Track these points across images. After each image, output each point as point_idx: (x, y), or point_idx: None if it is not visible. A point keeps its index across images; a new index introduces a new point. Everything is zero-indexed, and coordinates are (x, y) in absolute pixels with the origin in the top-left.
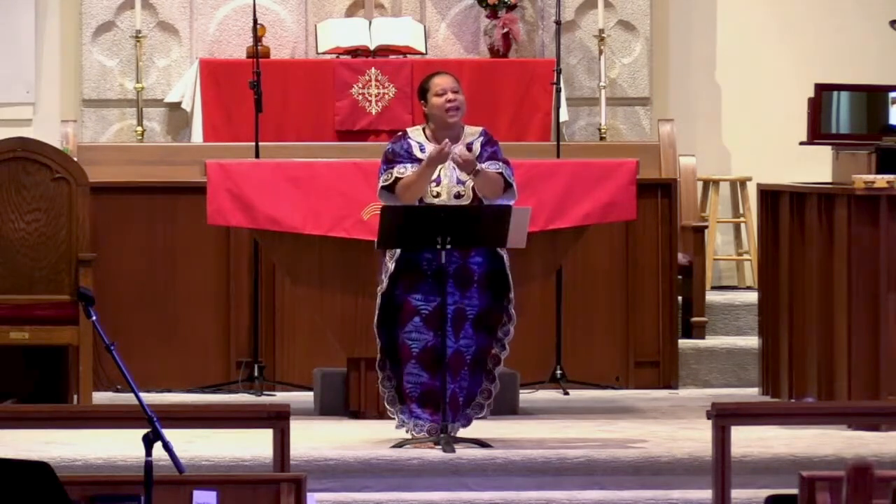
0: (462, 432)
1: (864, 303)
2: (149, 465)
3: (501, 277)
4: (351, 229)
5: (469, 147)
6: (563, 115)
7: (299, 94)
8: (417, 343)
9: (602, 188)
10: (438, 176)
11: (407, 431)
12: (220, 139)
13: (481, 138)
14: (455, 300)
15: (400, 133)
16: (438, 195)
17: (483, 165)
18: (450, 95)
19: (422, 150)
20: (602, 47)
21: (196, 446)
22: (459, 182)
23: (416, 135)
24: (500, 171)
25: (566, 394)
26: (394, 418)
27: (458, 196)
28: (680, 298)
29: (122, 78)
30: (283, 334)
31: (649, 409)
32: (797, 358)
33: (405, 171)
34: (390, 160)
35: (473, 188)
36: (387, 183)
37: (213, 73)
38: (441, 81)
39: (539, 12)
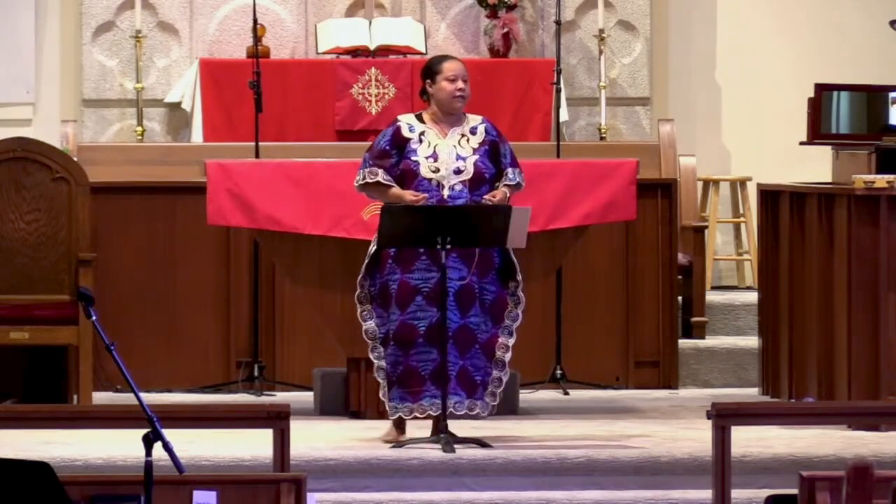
0: (462, 432)
1: (864, 303)
2: (149, 465)
3: (508, 263)
4: (351, 229)
5: (473, 131)
6: (563, 115)
7: (299, 94)
8: (423, 322)
9: (602, 188)
10: (435, 152)
11: (409, 413)
12: (220, 139)
13: (485, 125)
14: (462, 275)
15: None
16: (438, 170)
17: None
18: (460, 84)
19: (410, 130)
20: (602, 47)
21: (196, 446)
22: (460, 158)
23: (406, 118)
24: (517, 182)
25: (566, 394)
26: (393, 410)
27: (458, 172)
28: (680, 298)
29: (122, 78)
30: (283, 334)
31: (649, 409)
32: (797, 358)
33: (389, 179)
34: (376, 159)
35: (476, 164)
36: (371, 181)
37: (213, 73)
38: (453, 67)
39: (539, 12)
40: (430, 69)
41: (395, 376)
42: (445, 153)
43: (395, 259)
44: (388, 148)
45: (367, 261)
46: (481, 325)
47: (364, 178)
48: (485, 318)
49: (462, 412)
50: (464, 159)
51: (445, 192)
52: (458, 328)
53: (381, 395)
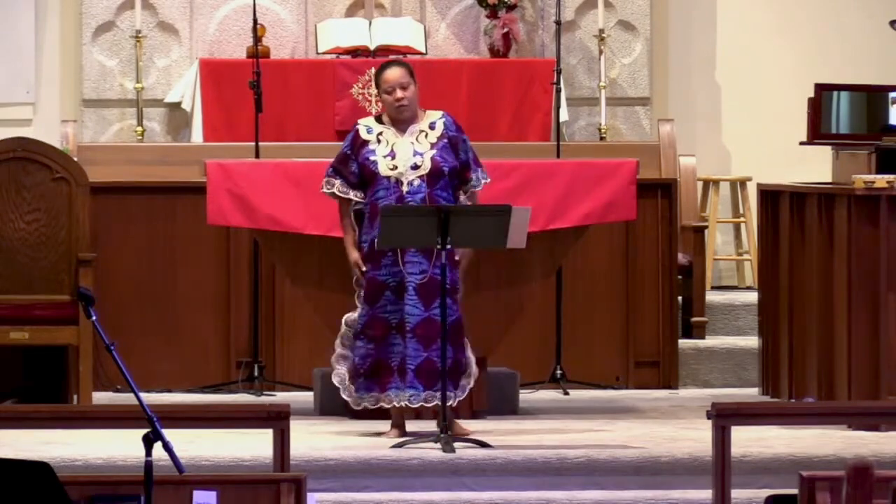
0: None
1: (864, 303)
2: (149, 465)
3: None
4: None
5: (432, 126)
6: (563, 115)
7: (299, 94)
8: (394, 315)
9: (602, 188)
10: (392, 150)
11: (375, 403)
12: (220, 139)
13: (444, 119)
14: (423, 269)
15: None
16: (395, 167)
17: (463, 197)
18: (398, 94)
19: (368, 132)
20: (602, 47)
21: (196, 446)
22: (417, 154)
23: (365, 121)
24: (482, 184)
25: (566, 394)
26: (358, 401)
27: (415, 167)
28: (680, 298)
29: (122, 78)
30: (283, 334)
31: (649, 409)
32: (797, 358)
33: (346, 191)
34: (337, 165)
35: (433, 158)
36: (328, 191)
37: (213, 73)
38: (389, 78)
39: (539, 12)
40: (375, 80)
41: (364, 368)
42: (403, 150)
43: (365, 257)
44: (348, 152)
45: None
46: (450, 312)
47: (322, 186)
48: (450, 303)
49: (418, 405)
50: (421, 154)
51: (404, 188)
52: (421, 321)
53: (343, 394)
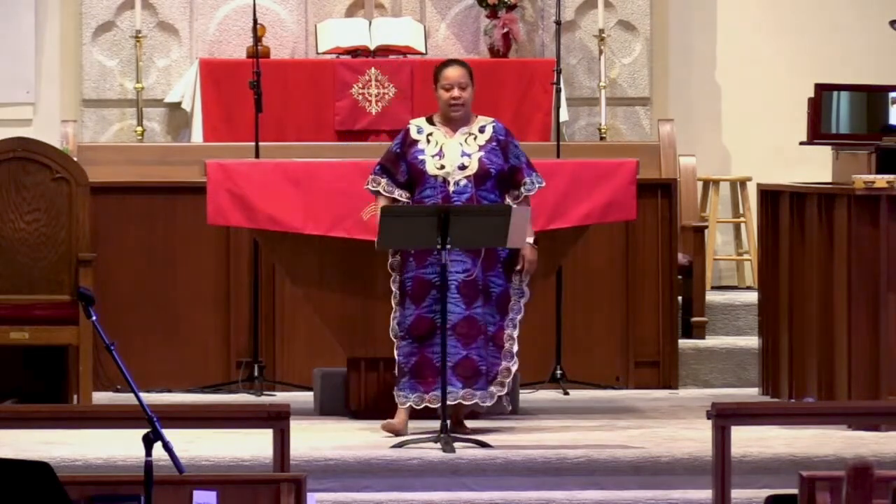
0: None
1: (864, 303)
2: (149, 465)
3: (514, 255)
4: (351, 229)
5: (482, 130)
6: (564, 115)
7: (299, 94)
8: (438, 315)
9: (602, 188)
10: (441, 150)
11: (420, 403)
12: (220, 139)
13: (494, 125)
14: (466, 268)
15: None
16: (443, 167)
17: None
18: (455, 92)
19: (419, 132)
20: (602, 47)
21: (196, 446)
22: (465, 154)
23: (417, 121)
24: (537, 188)
25: (566, 394)
26: (403, 400)
27: (462, 167)
28: (680, 298)
29: (122, 78)
30: (283, 334)
31: (649, 409)
32: (797, 358)
33: (391, 190)
34: (385, 163)
35: (480, 159)
36: (373, 189)
37: (213, 73)
38: (449, 75)
39: (539, 12)
40: (434, 74)
41: (409, 367)
42: (451, 150)
43: (413, 256)
44: (398, 151)
45: (392, 259)
46: (488, 318)
47: (367, 184)
48: (492, 311)
49: (455, 402)
50: (469, 155)
51: (451, 188)
52: (462, 320)
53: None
